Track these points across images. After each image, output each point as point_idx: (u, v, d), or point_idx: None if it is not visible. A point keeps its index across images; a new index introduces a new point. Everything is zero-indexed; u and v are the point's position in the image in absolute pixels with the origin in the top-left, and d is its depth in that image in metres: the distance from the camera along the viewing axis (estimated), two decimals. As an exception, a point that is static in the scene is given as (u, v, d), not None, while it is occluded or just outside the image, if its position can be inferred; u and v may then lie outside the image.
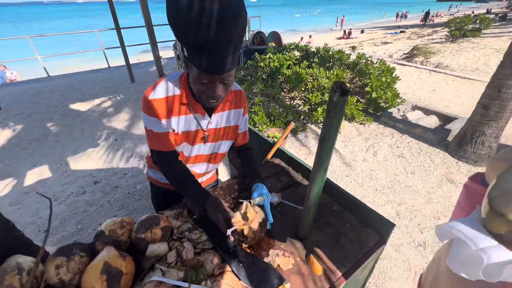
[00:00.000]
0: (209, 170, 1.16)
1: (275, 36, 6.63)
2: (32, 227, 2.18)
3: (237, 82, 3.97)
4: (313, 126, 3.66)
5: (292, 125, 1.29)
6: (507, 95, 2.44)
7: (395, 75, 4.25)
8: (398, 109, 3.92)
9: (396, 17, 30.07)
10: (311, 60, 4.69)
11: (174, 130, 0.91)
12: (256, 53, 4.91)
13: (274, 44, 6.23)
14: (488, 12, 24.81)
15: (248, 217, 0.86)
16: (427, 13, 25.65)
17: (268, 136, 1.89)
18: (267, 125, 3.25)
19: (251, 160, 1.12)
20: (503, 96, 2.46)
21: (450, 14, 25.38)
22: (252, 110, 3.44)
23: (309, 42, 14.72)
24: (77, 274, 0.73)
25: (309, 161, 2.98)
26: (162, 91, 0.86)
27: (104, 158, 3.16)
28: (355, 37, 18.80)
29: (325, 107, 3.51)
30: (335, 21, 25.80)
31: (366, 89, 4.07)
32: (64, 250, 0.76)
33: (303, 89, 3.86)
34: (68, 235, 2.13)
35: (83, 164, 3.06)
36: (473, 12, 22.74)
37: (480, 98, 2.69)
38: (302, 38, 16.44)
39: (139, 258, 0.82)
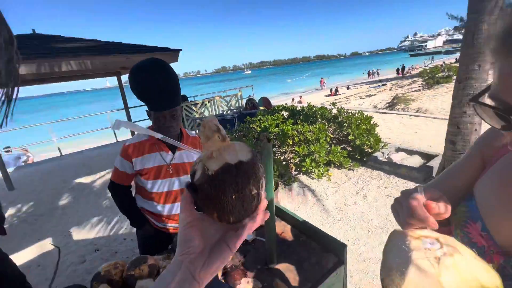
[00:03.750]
0: (178, 211, 1.38)
1: (265, 100, 7.48)
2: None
3: (231, 143, 4.37)
4: (304, 177, 3.87)
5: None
6: (465, 130, 2.73)
7: (374, 122, 4.68)
8: (383, 153, 4.18)
9: (368, 75, 32.84)
10: (297, 117, 5.23)
11: (143, 168, 1.25)
12: (248, 117, 5.50)
13: (264, 108, 6.98)
14: (457, 61, 27.73)
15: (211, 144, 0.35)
16: (403, 67, 28.63)
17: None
18: (260, 179, 3.46)
19: None
20: (463, 132, 2.75)
21: (425, 66, 28.45)
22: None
23: (301, 102, 16.17)
24: (75, 309, 0.86)
25: (301, 211, 3.08)
26: (134, 139, 1.26)
27: (106, 225, 3.28)
28: (342, 93, 20.64)
29: (313, 157, 3.79)
30: (319, 82, 28.91)
31: (349, 137, 4.43)
32: (66, 290, 0.91)
33: (291, 143, 4.22)
34: (64, 307, 2.12)
35: (86, 234, 3.16)
36: (443, 62, 25.47)
37: (446, 135, 2.98)
38: (293, 99, 18.13)
39: (129, 296, 0.95)
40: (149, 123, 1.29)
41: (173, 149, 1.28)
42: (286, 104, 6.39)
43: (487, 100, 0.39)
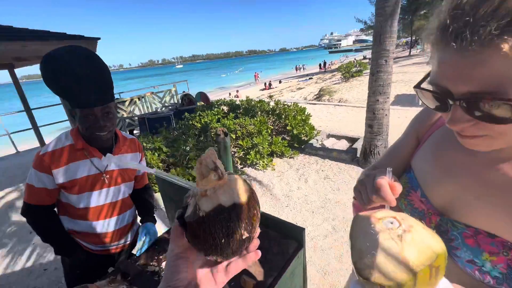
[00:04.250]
0: (122, 224, 1.20)
1: (202, 96, 7.23)
2: None
3: (171, 142, 4.07)
4: (250, 169, 3.94)
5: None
6: (380, 115, 3.27)
7: (308, 113, 5.11)
8: (317, 139, 4.62)
9: (296, 70, 35.81)
10: (237, 111, 5.25)
11: (70, 180, 1.00)
12: (186, 113, 5.21)
13: (202, 103, 6.75)
14: (364, 58, 32.86)
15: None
16: (325, 63, 32.07)
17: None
18: (206, 177, 3.35)
19: (145, 200, 1.32)
20: (378, 116, 3.29)
21: (341, 62, 32.71)
22: (189, 166, 3.53)
23: (237, 96, 16.33)
24: None
25: (251, 201, 3.14)
26: (52, 145, 1.00)
27: (15, 257, 2.61)
28: (276, 87, 21.79)
29: (257, 150, 3.88)
30: (253, 77, 29.83)
31: (288, 128, 4.72)
32: None
33: (234, 137, 4.22)
34: None
35: (-16, 274, 2.45)
36: (355, 59, 29.75)
37: (365, 120, 3.50)
38: (230, 93, 18.16)
39: None
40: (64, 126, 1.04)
41: (107, 153, 1.09)
42: (224, 98, 6.32)
43: (427, 86, 0.45)
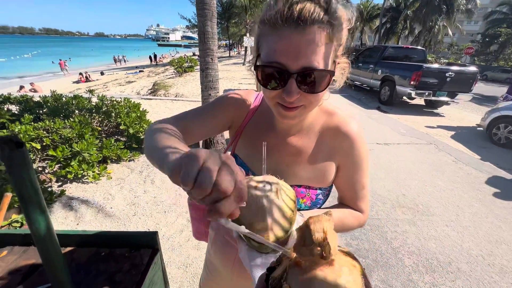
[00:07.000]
0: None
1: (-41, 90, 4.55)
2: None
3: None
4: (74, 185, 3.07)
5: (9, 196, 1.01)
6: (213, 108, 3.65)
7: (143, 108, 4.69)
8: (158, 137, 4.40)
9: (115, 62, 31.03)
10: (38, 112, 3.83)
11: None
12: None
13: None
14: (194, 54, 34.75)
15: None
16: (155, 56, 30.48)
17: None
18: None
19: None
20: (212, 109, 3.65)
21: (172, 57, 32.33)
22: None
23: (35, 90, 11.82)
24: None
25: (83, 227, 2.51)
26: None
27: None
28: (97, 80, 17.99)
29: (80, 158, 3.09)
30: (58, 65, 22.84)
31: (121, 127, 4.10)
32: None
33: (39, 147, 3.07)
34: None
35: None
36: (185, 55, 30.59)
37: (202, 113, 3.77)
38: (22, 87, 12.73)
39: None
40: None
41: None
42: (9, 93, 4.34)
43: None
